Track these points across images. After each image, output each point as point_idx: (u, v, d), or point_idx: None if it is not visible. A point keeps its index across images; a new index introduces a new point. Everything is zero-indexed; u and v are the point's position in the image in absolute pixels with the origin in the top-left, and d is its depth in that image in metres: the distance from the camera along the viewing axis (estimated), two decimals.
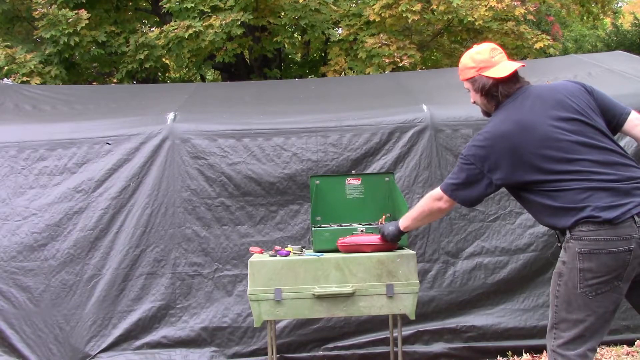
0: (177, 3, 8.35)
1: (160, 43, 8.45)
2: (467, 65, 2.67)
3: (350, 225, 3.39)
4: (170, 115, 4.35)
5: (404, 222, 2.93)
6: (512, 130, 2.49)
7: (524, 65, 2.65)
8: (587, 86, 2.59)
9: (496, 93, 2.59)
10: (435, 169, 4.19)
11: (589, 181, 2.38)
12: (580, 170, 2.40)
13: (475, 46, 2.73)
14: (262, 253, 3.36)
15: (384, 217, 3.48)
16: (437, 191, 2.69)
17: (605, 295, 2.37)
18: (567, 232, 2.42)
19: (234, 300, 4.07)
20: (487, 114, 2.70)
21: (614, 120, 2.56)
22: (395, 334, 3.65)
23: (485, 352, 4.03)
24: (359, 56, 8.77)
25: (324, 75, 9.37)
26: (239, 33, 8.36)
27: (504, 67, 2.59)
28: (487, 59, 2.61)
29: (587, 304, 2.38)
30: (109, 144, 4.22)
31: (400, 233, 2.98)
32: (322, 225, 3.45)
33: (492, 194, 2.63)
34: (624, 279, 2.37)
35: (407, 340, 3.98)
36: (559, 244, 2.54)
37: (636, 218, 2.33)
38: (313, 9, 8.81)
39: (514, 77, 2.61)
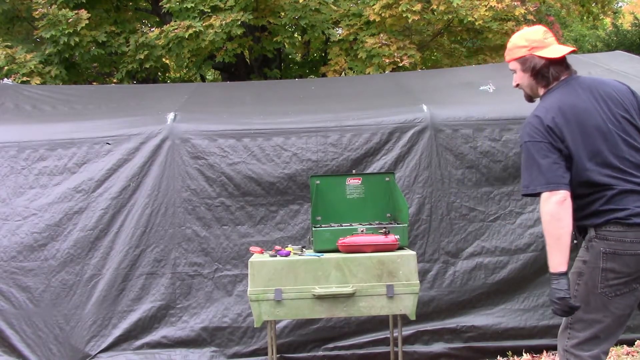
0: (177, 3, 8.34)
1: (160, 43, 8.44)
2: (518, 44, 2.59)
3: (351, 225, 3.39)
4: (170, 115, 4.34)
5: (553, 264, 2.37)
6: (567, 111, 2.43)
7: (575, 50, 2.60)
8: (632, 89, 2.59)
9: (547, 74, 2.54)
10: (435, 169, 4.19)
11: (625, 182, 2.37)
12: (620, 168, 2.39)
13: (525, 27, 2.66)
14: (262, 253, 3.36)
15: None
16: (541, 200, 2.39)
17: (624, 297, 2.37)
18: (592, 231, 2.40)
19: (234, 300, 4.07)
20: (530, 98, 2.65)
21: None
22: (395, 334, 3.65)
23: (485, 352, 4.04)
24: (359, 56, 8.76)
25: (324, 75, 9.35)
26: (239, 33, 8.36)
27: (557, 48, 2.55)
28: (541, 39, 2.56)
29: (606, 304, 2.37)
30: (109, 144, 4.22)
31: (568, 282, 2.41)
32: (323, 225, 3.45)
33: (566, 166, 2.41)
34: None
35: (407, 340, 3.98)
36: (575, 241, 2.48)
37: None
38: (313, 9, 8.80)
39: (565, 62, 2.57)
